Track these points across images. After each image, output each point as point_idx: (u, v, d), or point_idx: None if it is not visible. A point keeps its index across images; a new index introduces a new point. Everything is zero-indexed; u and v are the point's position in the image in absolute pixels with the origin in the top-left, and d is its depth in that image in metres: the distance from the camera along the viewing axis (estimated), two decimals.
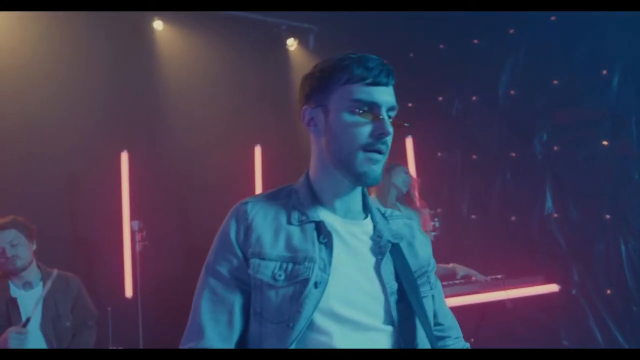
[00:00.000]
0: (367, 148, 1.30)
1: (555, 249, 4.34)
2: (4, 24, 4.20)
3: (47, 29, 4.31)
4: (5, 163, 4.08)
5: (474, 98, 4.92)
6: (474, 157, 4.92)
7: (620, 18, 3.92)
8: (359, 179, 1.32)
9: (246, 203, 1.37)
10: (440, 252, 4.33)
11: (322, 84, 1.35)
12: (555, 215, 4.36)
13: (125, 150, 4.38)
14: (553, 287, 3.15)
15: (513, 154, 4.64)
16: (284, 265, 1.29)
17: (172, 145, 4.73)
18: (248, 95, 5.10)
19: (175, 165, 4.72)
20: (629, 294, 4.07)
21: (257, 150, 4.97)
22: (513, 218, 4.59)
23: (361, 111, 1.30)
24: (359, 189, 1.40)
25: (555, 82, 4.40)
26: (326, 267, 1.29)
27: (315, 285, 1.26)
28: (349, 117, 1.31)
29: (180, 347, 1.31)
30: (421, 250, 1.44)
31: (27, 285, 2.98)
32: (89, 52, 4.48)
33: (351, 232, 1.37)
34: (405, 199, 3.78)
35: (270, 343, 1.26)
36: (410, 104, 5.37)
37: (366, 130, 1.30)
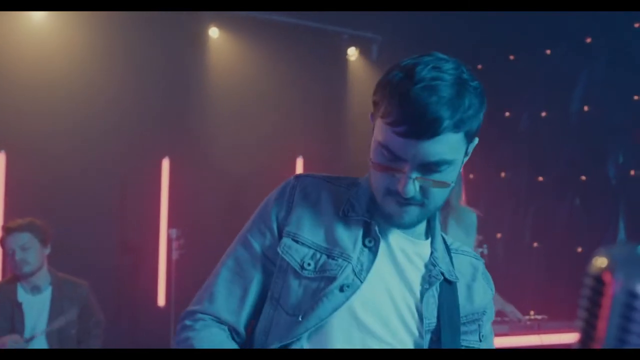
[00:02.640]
0: (389, 195, 1.12)
1: None
2: (57, 32, 4.31)
3: (100, 38, 4.39)
4: (55, 171, 4.16)
5: (543, 114, 4.48)
6: (541, 179, 4.47)
7: None
8: (385, 217, 1.15)
9: (299, 177, 1.24)
10: (494, 281, 3.96)
11: (373, 99, 1.13)
12: None
13: (167, 157, 4.36)
14: None
15: (584, 177, 4.17)
16: (317, 256, 1.15)
17: (216, 153, 4.67)
18: (300, 104, 4.96)
19: (219, 174, 4.65)
20: None
21: (299, 162, 4.81)
22: (580, 249, 4.09)
23: (384, 155, 1.09)
24: None
25: (637, 97, 3.89)
26: (362, 272, 1.13)
27: (341, 288, 1.11)
28: (376, 158, 1.11)
29: (189, 307, 1.23)
30: (479, 295, 1.25)
31: (35, 290, 2.98)
32: (143, 58, 4.51)
33: (403, 249, 1.19)
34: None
35: (278, 333, 1.14)
36: None
37: (387, 178, 1.11)
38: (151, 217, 4.36)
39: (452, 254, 1.25)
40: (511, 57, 4.74)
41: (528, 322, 2.78)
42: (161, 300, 4.33)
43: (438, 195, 1.12)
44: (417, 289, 1.17)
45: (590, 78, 4.20)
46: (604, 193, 4.02)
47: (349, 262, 1.13)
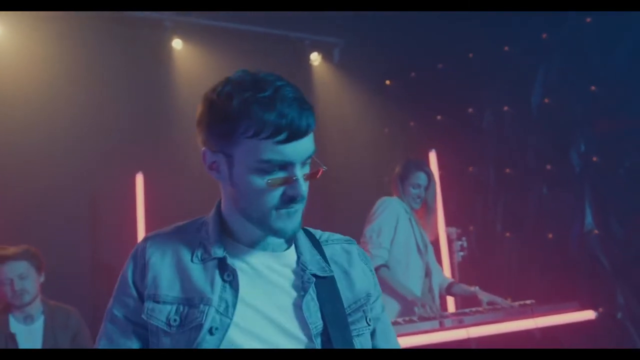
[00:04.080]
0: (281, 207, 1.14)
1: (597, 268, 3.99)
2: (21, 47, 4.20)
3: (62, 50, 4.30)
4: (20, 188, 4.04)
5: (506, 108, 4.64)
6: (508, 171, 4.62)
7: None
8: (275, 233, 1.18)
9: (146, 239, 1.25)
10: (470, 272, 4.07)
11: (223, 130, 1.13)
12: (596, 231, 4.02)
13: (141, 172, 4.29)
14: (589, 314, 2.84)
15: (549, 167, 4.33)
16: (180, 309, 1.15)
17: (189, 167, 4.61)
18: None
19: (193, 188, 4.60)
20: None
21: None
22: (550, 236, 4.26)
23: (272, 173, 1.12)
24: None
25: (593, 88, 4.08)
26: (228, 309, 1.13)
27: (211, 331, 1.12)
28: (257, 179, 1.12)
29: None
30: (359, 280, 1.28)
31: (29, 319, 2.89)
32: (105, 72, 4.44)
33: (268, 266, 1.20)
34: (420, 216, 3.48)
35: None
36: (439, 117, 5.15)
37: (278, 193, 1.13)
38: (127, 233, 4.28)
39: (323, 246, 1.28)
40: (470, 55, 4.89)
41: (519, 308, 2.90)
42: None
43: (307, 190, 1.17)
44: (294, 298, 1.18)
45: (549, 72, 4.36)
46: (569, 180, 4.18)
47: (210, 305, 1.13)
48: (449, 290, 3.41)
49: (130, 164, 4.29)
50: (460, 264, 3.74)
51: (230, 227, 1.23)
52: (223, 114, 1.13)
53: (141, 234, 4.25)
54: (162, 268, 1.19)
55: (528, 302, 2.96)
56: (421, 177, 3.38)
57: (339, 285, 1.23)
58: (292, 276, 1.21)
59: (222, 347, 1.12)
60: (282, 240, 1.24)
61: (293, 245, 1.25)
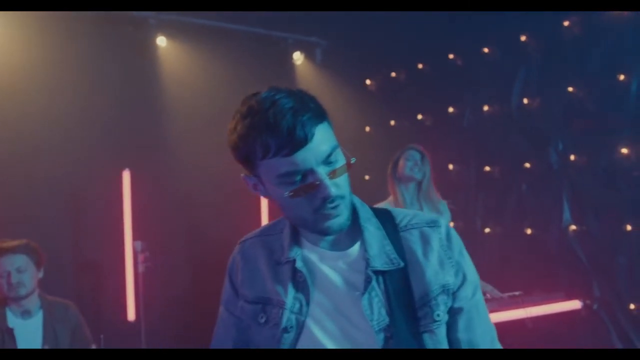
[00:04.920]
0: (318, 212, 1.19)
1: (575, 262, 4.14)
2: (2, 44, 4.13)
3: (48, 47, 4.24)
4: (6, 184, 3.99)
5: (486, 108, 4.77)
6: (488, 169, 4.75)
7: (638, 19, 3.76)
8: (324, 232, 1.24)
9: (243, 242, 1.40)
10: None
11: (241, 158, 1.21)
12: (574, 227, 4.18)
13: (127, 169, 4.28)
14: (575, 304, 2.96)
15: (528, 165, 4.47)
16: (264, 308, 1.29)
17: (176, 163, 4.63)
18: None
19: (179, 184, 4.61)
20: None
21: None
22: (529, 231, 4.40)
23: (294, 183, 1.17)
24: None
25: (571, 89, 4.23)
26: (302, 308, 1.23)
27: (286, 330, 1.23)
28: (284, 192, 1.18)
29: None
30: (432, 270, 1.23)
31: (26, 314, 2.86)
32: (90, 69, 4.40)
33: (335, 264, 1.27)
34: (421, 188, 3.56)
35: None
36: (419, 116, 5.26)
37: (307, 200, 1.18)
38: (114, 230, 4.26)
39: (402, 233, 1.27)
40: (450, 56, 5.01)
41: (508, 299, 3.01)
42: (131, 315, 4.23)
43: (346, 182, 1.22)
44: (357, 296, 1.21)
45: (528, 73, 4.49)
46: (547, 178, 4.32)
47: (284, 307, 1.25)
48: None
49: (116, 160, 4.28)
50: None
51: (301, 232, 1.33)
52: (235, 145, 1.20)
53: (128, 230, 4.24)
54: (252, 271, 1.33)
55: (517, 293, 3.07)
56: (412, 153, 3.57)
57: (411, 276, 1.22)
58: (356, 273, 1.24)
59: (299, 343, 1.23)
60: (351, 235, 1.27)
61: (359, 242, 1.27)
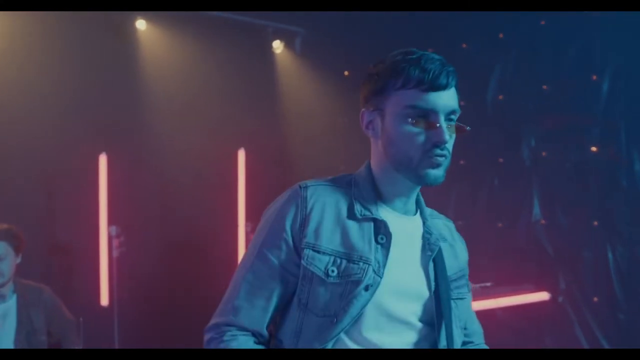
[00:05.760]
0: (426, 154, 1.28)
1: (543, 256, 4.27)
2: None
3: (21, 28, 4.16)
4: None
5: (461, 103, 4.83)
6: (462, 162, 4.82)
7: (611, 22, 3.87)
8: (420, 179, 1.31)
9: (306, 187, 1.33)
10: None
11: (378, 87, 1.31)
12: (543, 221, 4.30)
13: (104, 153, 4.25)
14: (543, 295, 3.07)
15: (501, 160, 4.57)
16: (338, 261, 1.26)
17: (153, 148, 4.61)
18: (232, 98, 4.99)
19: (156, 169, 4.60)
20: (615, 302, 4.00)
21: (241, 154, 4.87)
22: (500, 224, 4.51)
23: (417, 119, 1.27)
24: (418, 187, 1.37)
25: (545, 87, 4.34)
26: (380, 269, 1.27)
27: (366, 288, 1.24)
28: (404, 125, 1.28)
29: (212, 320, 1.30)
30: (461, 252, 1.46)
31: (1, 299, 2.84)
32: (66, 50, 4.34)
33: (406, 230, 1.34)
34: None
35: (311, 334, 1.25)
36: None
37: (422, 138, 1.27)
38: (89, 215, 4.24)
39: (430, 219, 1.42)
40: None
41: (480, 289, 3.10)
42: (104, 300, 4.22)
43: (452, 144, 1.33)
44: (421, 260, 1.34)
45: (504, 70, 4.57)
46: (519, 173, 4.42)
47: (369, 264, 1.26)
48: None
49: (93, 144, 4.24)
50: None
51: (381, 189, 1.35)
52: (377, 76, 1.32)
53: (103, 215, 4.22)
54: (323, 219, 1.29)
55: (488, 284, 3.16)
56: None
57: (445, 254, 1.38)
58: (420, 240, 1.36)
59: (370, 303, 1.25)
60: (413, 206, 1.39)
61: (419, 212, 1.40)
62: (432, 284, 1.32)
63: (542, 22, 4.33)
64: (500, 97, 4.58)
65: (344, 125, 5.72)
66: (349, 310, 1.23)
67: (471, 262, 4.59)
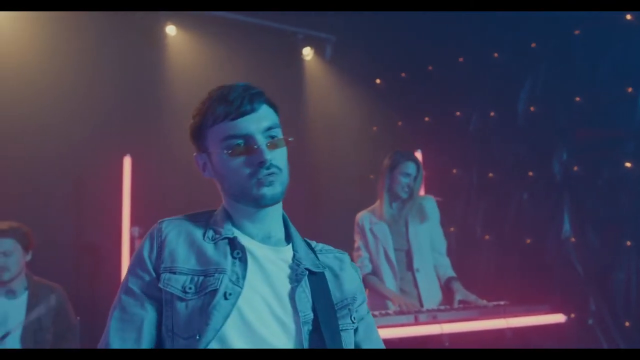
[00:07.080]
0: (254, 177, 1.32)
1: (572, 275, 4.09)
2: (8, 26, 4.18)
3: (52, 32, 4.29)
4: (7, 167, 4.04)
5: (492, 114, 4.72)
6: (491, 175, 4.71)
7: None
8: (258, 202, 1.34)
9: (162, 222, 1.39)
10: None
11: (197, 131, 1.38)
12: (573, 239, 4.12)
13: (129, 155, 4.31)
14: (559, 317, 2.92)
15: (531, 174, 4.42)
16: (195, 279, 1.29)
17: (177, 151, 4.63)
18: None
19: (179, 172, 4.63)
20: None
21: None
22: (528, 241, 4.35)
23: (236, 147, 1.32)
24: (278, 216, 1.40)
25: (578, 99, 4.17)
26: (239, 279, 1.27)
27: (225, 296, 1.25)
28: (227, 158, 1.33)
29: None
30: (348, 283, 1.44)
31: (10, 294, 2.91)
32: (97, 55, 4.45)
33: (267, 257, 1.35)
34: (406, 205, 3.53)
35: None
36: (427, 118, 5.22)
37: (247, 164, 1.32)
38: (113, 216, 4.30)
39: (318, 254, 1.45)
40: (460, 59, 4.96)
41: (492, 308, 2.98)
42: None
43: (283, 158, 1.35)
44: (288, 288, 1.33)
45: (536, 80, 4.43)
46: (549, 188, 4.27)
47: (224, 274, 1.28)
48: (447, 285, 3.44)
49: (118, 146, 4.31)
50: None
51: (234, 220, 1.39)
52: (195, 118, 1.39)
53: (126, 217, 4.27)
54: (178, 244, 1.34)
55: (502, 302, 3.04)
56: (411, 167, 3.42)
57: (329, 285, 1.39)
58: (287, 269, 1.36)
59: (231, 315, 1.24)
60: (281, 237, 1.42)
61: (290, 244, 1.41)
62: (305, 314, 1.31)
63: (576, 32, 4.17)
64: (532, 108, 4.43)
65: (374, 134, 5.66)
66: (211, 323, 1.23)
67: (496, 278, 4.41)
